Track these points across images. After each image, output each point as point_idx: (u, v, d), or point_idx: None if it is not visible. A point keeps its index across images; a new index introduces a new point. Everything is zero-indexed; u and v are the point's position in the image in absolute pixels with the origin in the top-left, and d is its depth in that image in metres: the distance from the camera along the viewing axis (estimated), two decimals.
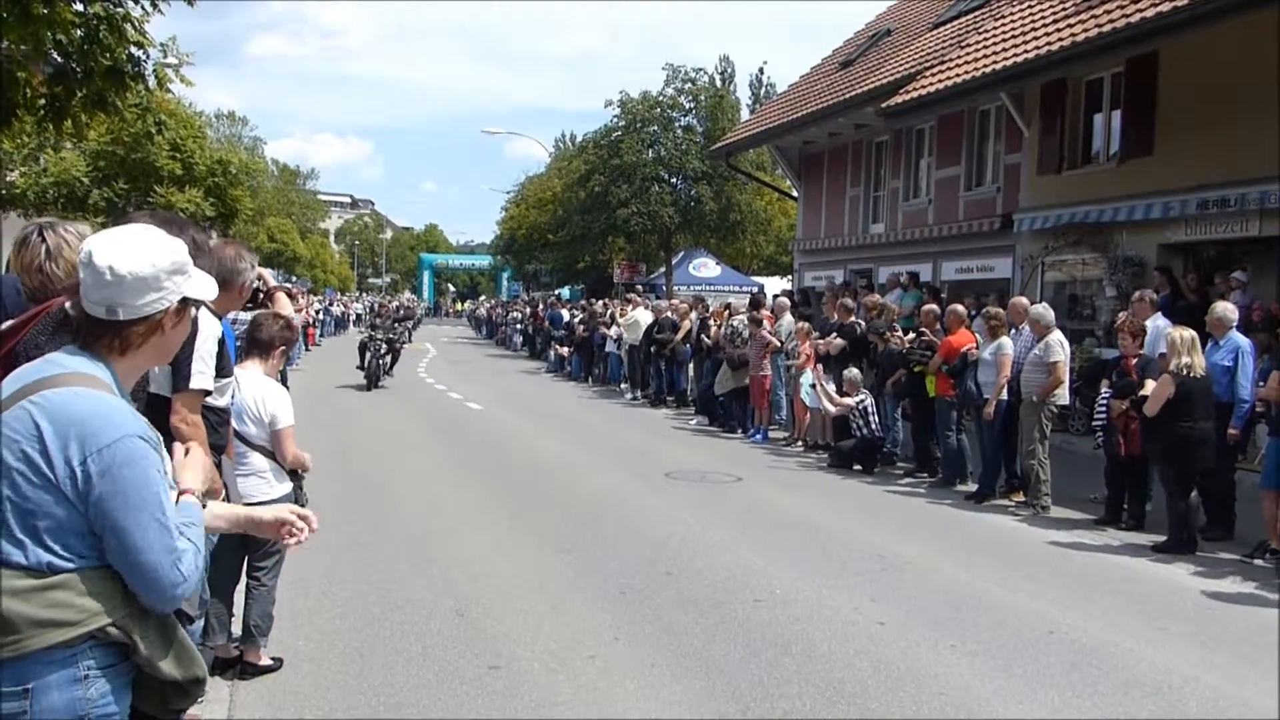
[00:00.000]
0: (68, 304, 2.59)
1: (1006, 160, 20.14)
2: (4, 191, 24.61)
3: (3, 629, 2.27)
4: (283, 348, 5.85)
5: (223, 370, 4.41)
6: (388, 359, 24.15)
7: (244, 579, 5.74)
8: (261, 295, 5.74)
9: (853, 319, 15.24)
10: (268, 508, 2.90)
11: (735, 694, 5.60)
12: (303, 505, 5.86)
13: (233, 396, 4.86)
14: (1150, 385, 9.56)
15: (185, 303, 2.58)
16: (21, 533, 2.31)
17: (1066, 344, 11.35)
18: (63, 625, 2.31)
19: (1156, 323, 11.00)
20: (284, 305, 6.08)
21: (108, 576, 2.38)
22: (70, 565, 2.34)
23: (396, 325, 25.95)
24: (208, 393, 4.21)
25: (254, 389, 5.46)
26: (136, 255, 2.46)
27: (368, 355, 23.36)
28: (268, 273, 6.55)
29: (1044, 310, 11.43)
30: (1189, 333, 9.43)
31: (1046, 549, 9.39)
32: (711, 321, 19.07)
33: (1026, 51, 16.57)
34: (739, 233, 41.08)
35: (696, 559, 8.50)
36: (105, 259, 2.43)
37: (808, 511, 10.73)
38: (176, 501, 2.62)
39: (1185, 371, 9.14)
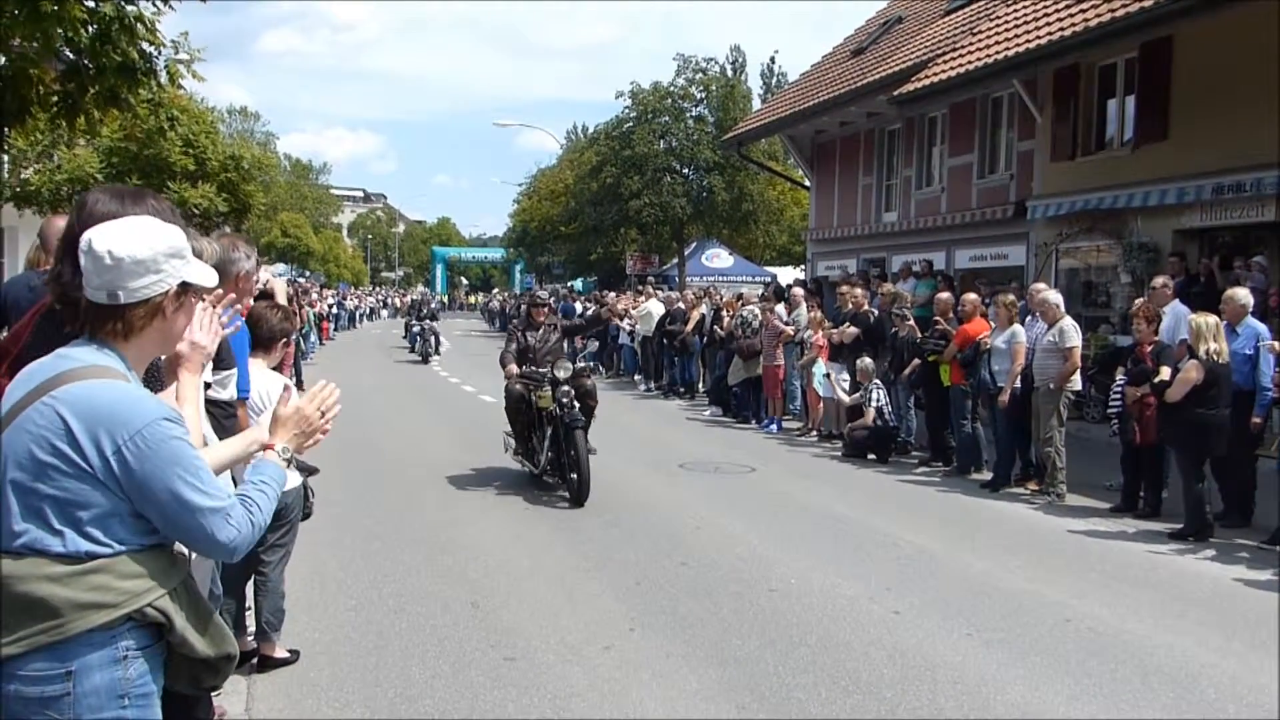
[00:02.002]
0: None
1: (1020, 147, 20.03)
2: (19, 189, 24.70)
3: (45, 614, 2.34)
4: (284, 339, 5.85)
5: (222, 362, 4.41)
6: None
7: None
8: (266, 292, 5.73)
9: (866, 308, 15.20)
10: (280, 406, 2.90)
11: (751, 684, 5.60)
12: (310, 501, 5.89)
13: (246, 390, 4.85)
14: (1165, 371, 9.52)
15: (186, 288, 2.64)
16: (60, 523, 2.39)
17: (1079, 329, 11.29)
18: (104, 607, 2.39)
19: (1176, 309, 10.94)
20: (279, 293, 6.09)
21: (146, 559, 2.47)
22: (109, 551, 2.42)
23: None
24: (205, 385, 4.20)
25: (258, 382, 5.47)
26: (134, 240, 2.53)
27: (572, 444, 10.21)
28: (274, 278, 6.56)
29: (1054, 297, 11.38)
30: (1213, 318, 9.37)
31: (1062, 537, 9.36)
32: (724, 312, 19.06)
33: (1039, 37, 16.48)
34: (751, 223, 41.05)
35: (711, 549, 8.50)
36: (104, 244, 2.51)
37: (822, 501, 10.72)
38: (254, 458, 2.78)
39: (1216, 358, 9.09)
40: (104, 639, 2.39)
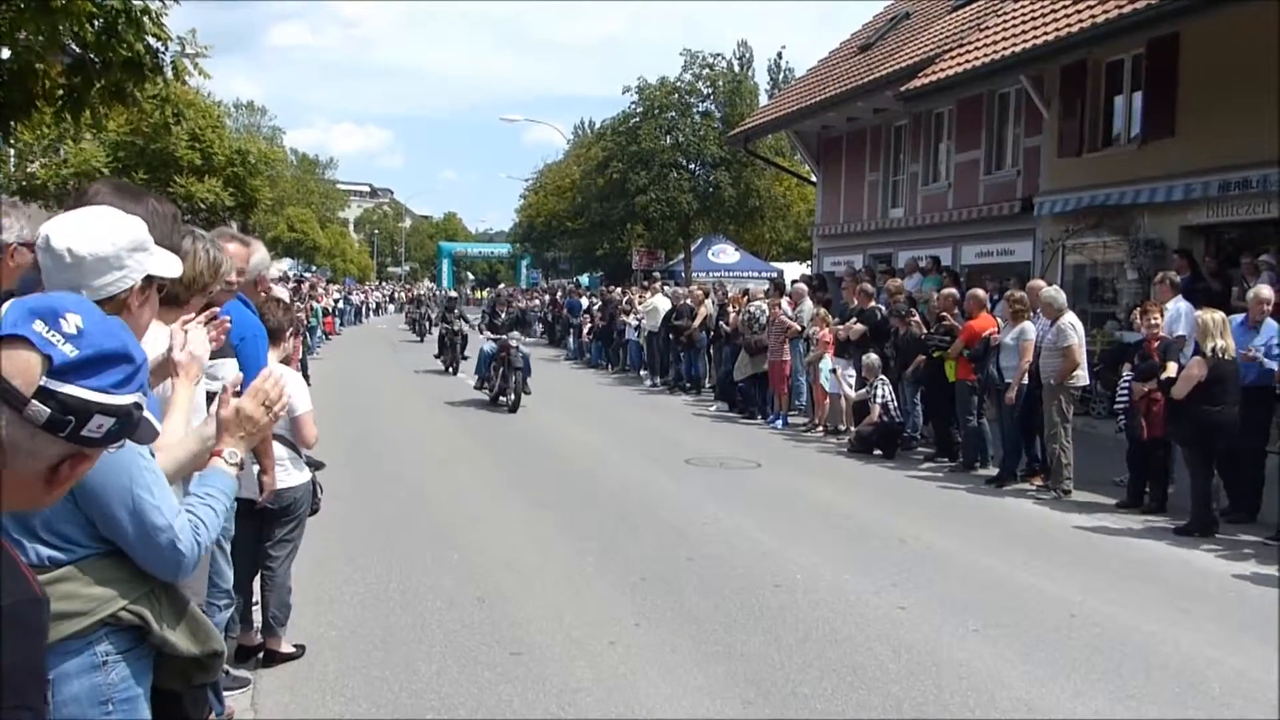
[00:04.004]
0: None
1: (1026, 143, 20.00)
2: (25, 182, 24.74)
3: None
4: (291, 329, 5.86)
5: (218, 352, 4.35)
6: None
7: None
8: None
9: (872, 304, 15.18)
10: (221, 409, 2.75)
11: (756, 679, 5.61)
12: (318, 496, 5.90)
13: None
14: (1172, 368, 9.50)
15: (150, 281, 2.54)
16: (16, 532, 2.31)
17: (1079, 325, 11.26)
18: (74, 616, 2.33)
19: (1178, 305, 10.92)
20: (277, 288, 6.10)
21: (115, 564, 2.40)
22: (69, 557, 2.35)
23: None
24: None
25: None
26: (95, 235, 2.42)
27: None
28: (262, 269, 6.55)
29: (1055, 293, 11.35)
30: (1219, 314, 9.35)
31: (1068, 532, 9.35)
32: (730, 308, 19.05)
33: (1046, 34, 16.45)
34: (758, 218, 41.02)
35: (717, 545, 8.51)
36: (63, 241, 2.40)
37: (828, 497, 10.71)
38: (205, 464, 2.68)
39: (1222, 354, 9.07)
40: (80, 646, 2.34)
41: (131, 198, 2.78)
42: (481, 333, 19.16)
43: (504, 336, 17.42)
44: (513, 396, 16.98)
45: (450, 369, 24.04)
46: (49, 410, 1.43)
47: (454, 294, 31.17)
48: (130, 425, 1.53)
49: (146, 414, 1.58)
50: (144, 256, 2.50)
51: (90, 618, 2.35)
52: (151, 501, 2.39)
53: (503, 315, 18.84)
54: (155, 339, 2.87)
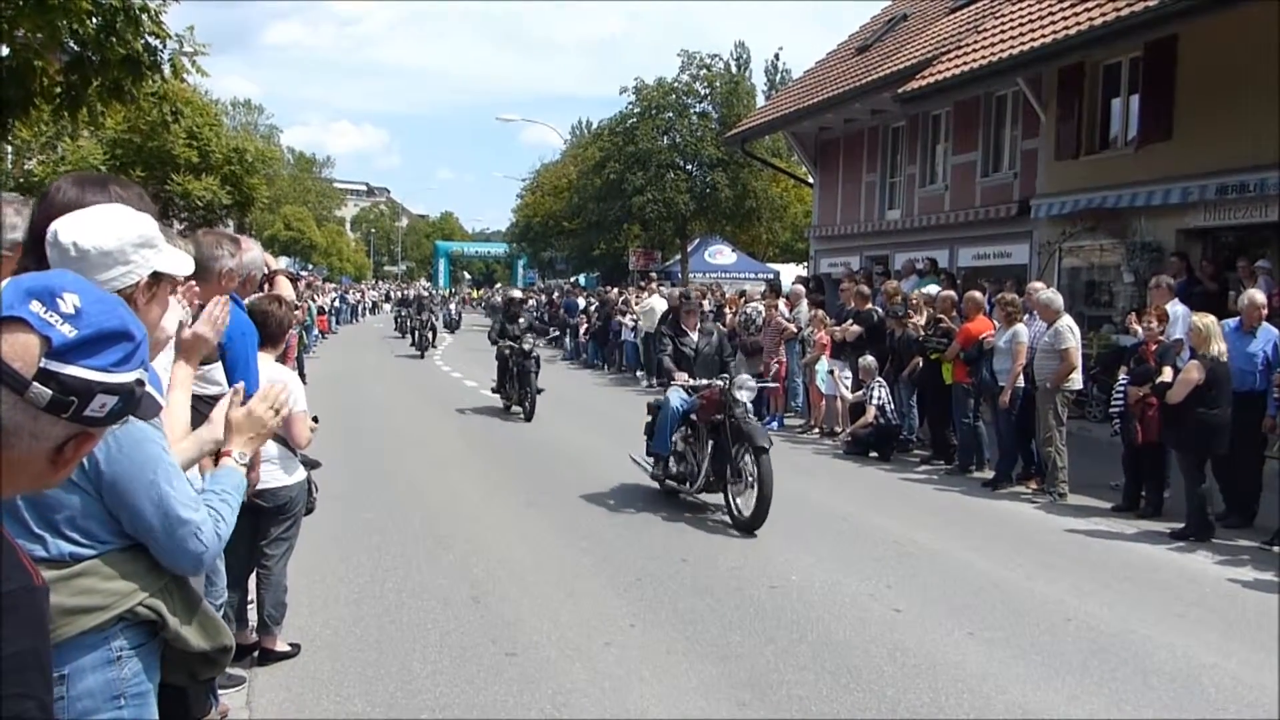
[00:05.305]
0: None
1: (1024, 145, 20.00)
2: (22, 179, 24.73)
3: None
4: (289, 329, 5.85)
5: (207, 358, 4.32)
6: None
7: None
8: (262, 279, 5.71)
9: (869, 306, 15.19)
10: (226, 411, 2.82)
11: (751, 680, 5.60)
12: (313, 495, 5.89)
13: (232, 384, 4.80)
14: (1168, 372, 9.51)
15: (158, 278, 2.56)
16: (39, 527, 2.34)
17: (1076, 328, 11.27)
18: (93, 610, 2.35)
19: (1175, 308, 10.93)
20: (285, 288, 6.08)
21: (132, 558, 2.43)
22: (92, 552, 2.38)
23: None
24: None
25: (265, 376, 5.47)
26: (101, 230, 2.45)
27: None
28: (280, 277, 6.55)
29: (1053, 296, 11.36)
30: (1211, 318, 9.36)
31: (1063, 536, 9.35)
32: (726, 309, 19.03)
33: (1044, 36, 16.44)
34: (754, 219, 41.01)
35: (712, 546, 8.51)
36: (69, 235, 2.42)
37: (823, 498, 10.71)
38: (216, 463, 2.72)
39: (1221, 358, 9.08)
40: (96, 641, 2.36)
41: (93, 186, 2.77)
42: (670, 376, 10.26)
43: (717, 382, 9.85)
44: (751, 507, 9.02)
45: (519, 408, 16.87)
46: (50, 392, 1.43)
47: (517, 293, 21.20)
48: (133, 402, 1.54)
49: (149, 388, 1.58)
50: (151, 253, 2.53)
51: (109, 612, 2.37)
52: (176, 496, 2.43)
53: (693, 336, 10.63)
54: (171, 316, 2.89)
